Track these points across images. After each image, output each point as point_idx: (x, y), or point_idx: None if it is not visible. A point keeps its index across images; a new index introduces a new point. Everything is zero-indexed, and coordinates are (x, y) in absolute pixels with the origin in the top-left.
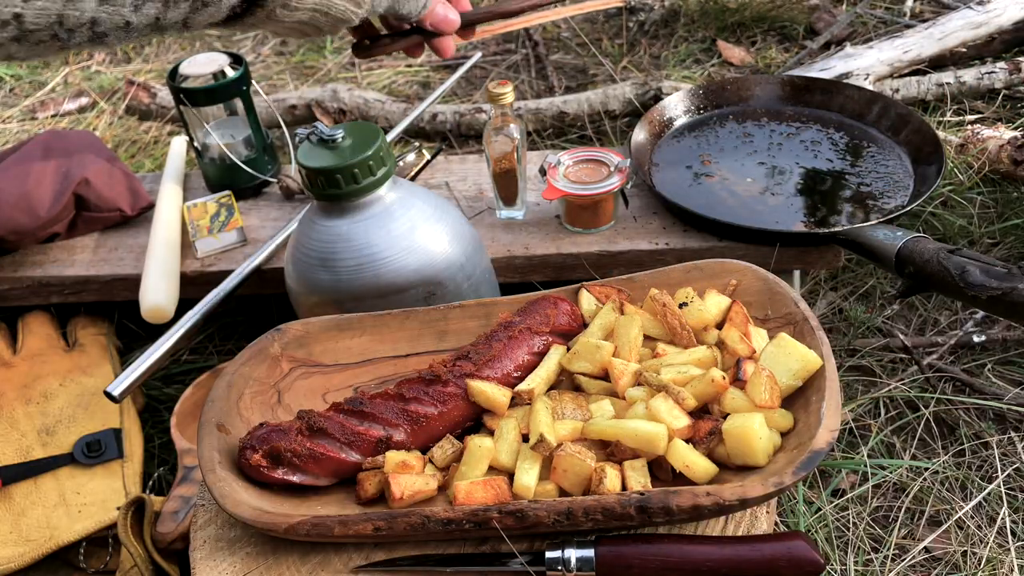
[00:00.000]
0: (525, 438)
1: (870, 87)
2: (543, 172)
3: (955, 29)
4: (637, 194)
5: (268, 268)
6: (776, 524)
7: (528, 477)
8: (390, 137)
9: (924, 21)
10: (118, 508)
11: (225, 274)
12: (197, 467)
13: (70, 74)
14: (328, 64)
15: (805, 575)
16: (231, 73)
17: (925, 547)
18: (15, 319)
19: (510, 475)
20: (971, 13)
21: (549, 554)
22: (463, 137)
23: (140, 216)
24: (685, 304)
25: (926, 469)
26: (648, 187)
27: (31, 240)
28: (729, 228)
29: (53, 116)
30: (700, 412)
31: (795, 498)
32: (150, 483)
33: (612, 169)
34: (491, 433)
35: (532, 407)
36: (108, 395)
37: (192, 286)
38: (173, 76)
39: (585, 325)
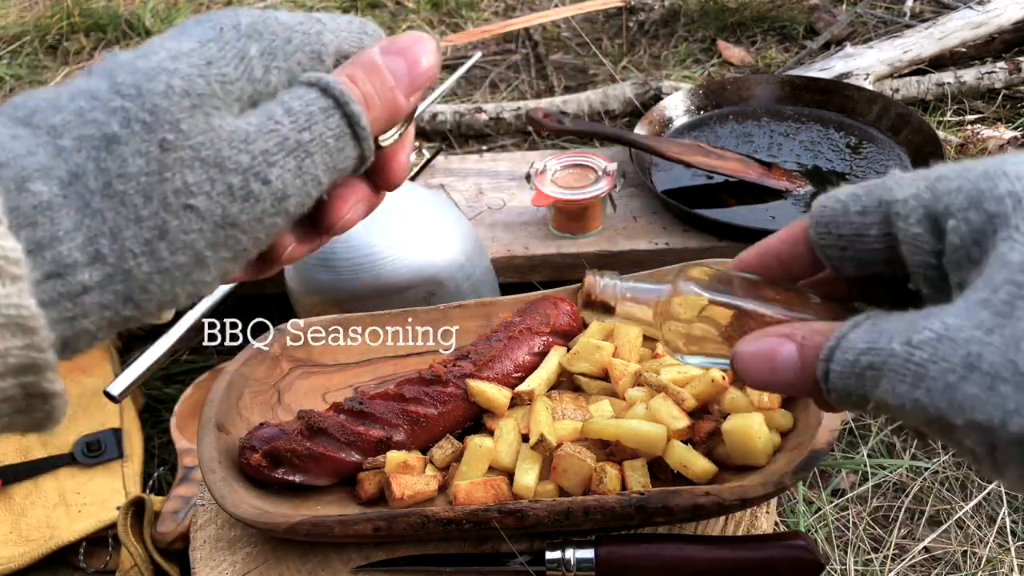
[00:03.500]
0: (525, 438)
1: (870, 87)
2: (529, 178)
3: (955, 29)
4: (638, 194)
5: None
6: (776, 524)
7: (528, 477)
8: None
9: (924, 21)
10: (118, 508)
11: None
12: (197, 467)
13: (70, 74)
14: None
15: (805, 575)
16: None
17: (925, 547)
18: None
19: (510, 475)
20: (971, 13)
21: (549, 554)
22: (463, 137)
23: None
24: None
25: (926, 469)
26: (648, 187)
27: None
28: (729, 228)
29: None
30: (700, 412)
31: (795, 498)
32: (150, 483)
33: (599, 173)
34: (491, 433)
35: (532, 407)
36: (108, 395)
37: None
38: None
39: (585, 325)
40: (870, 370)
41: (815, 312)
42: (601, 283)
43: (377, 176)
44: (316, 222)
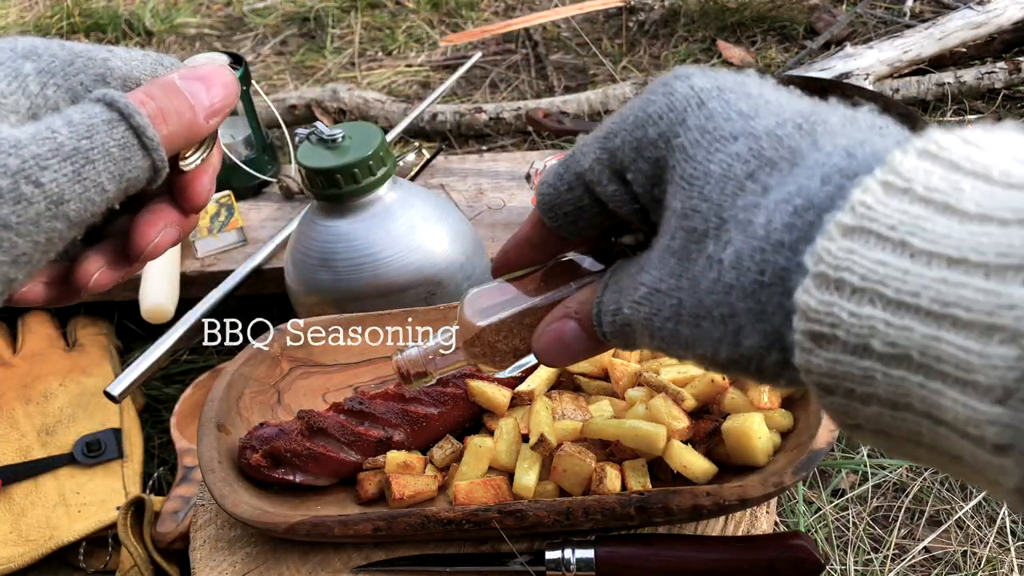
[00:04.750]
0: (525, 438)
1: (870, 87)
2: (529, 178)
3: (955, 29)
4: None
5: (268, 268)
6: (776, 524)
7: (528, 477)
8: (390, 137)
9: (924, 21)
10: (118, 508)
11: (225, 274)
12: (197, 467)
13: None
14: (328, 64)
15: (805, 575)
16: None
17: (925, 547)
18: (15, 319)
19: (510, 475)
20: (971, 13)
21: (549, 554)
22: (463, 137)
23: None
24: None
25: (926, 469)
26: None
27: None
28: None
29: None
30: (700, 412)
31: (795, 498)
32: (150, 483)
33: None
34: (491, 433)
35: (532, 407)
36: (108, 395)
37: (192, 286)
38: None
39: None
40: (625, 326)
41: (580, 276)
42: (403, 358)
43: (180, 198)
44: (127, 247)
